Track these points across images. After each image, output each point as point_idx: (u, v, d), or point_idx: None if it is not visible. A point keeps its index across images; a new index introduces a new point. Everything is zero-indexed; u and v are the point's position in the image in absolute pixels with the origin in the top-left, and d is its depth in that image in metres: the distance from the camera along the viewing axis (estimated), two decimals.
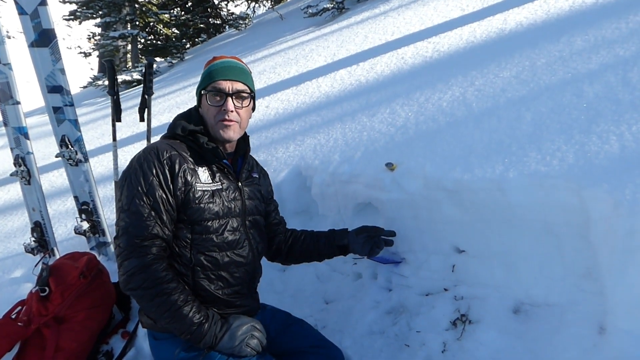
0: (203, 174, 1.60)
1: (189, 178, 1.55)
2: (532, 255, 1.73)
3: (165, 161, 1.52)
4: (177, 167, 1.53)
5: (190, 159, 1.59)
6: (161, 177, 1.50)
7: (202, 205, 1.55)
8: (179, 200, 1.53)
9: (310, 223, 2.70)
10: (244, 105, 1.67)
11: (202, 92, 1.65)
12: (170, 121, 1.72)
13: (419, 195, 1.98)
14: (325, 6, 7.55)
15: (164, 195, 1.50)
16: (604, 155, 1.58)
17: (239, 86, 1.65)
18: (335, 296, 2.42)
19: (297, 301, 2.48)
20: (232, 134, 1.65)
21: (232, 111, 1.62)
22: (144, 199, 1.47)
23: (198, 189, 1.56)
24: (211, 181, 1.61)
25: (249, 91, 1.68)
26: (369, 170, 2.24)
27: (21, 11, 2.32)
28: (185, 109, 1.76)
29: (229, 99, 1.61)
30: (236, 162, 1.76)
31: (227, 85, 1.62)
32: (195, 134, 1.63)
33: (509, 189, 1.69)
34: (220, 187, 1.62)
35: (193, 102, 1.81)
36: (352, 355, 1.96)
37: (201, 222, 1.56)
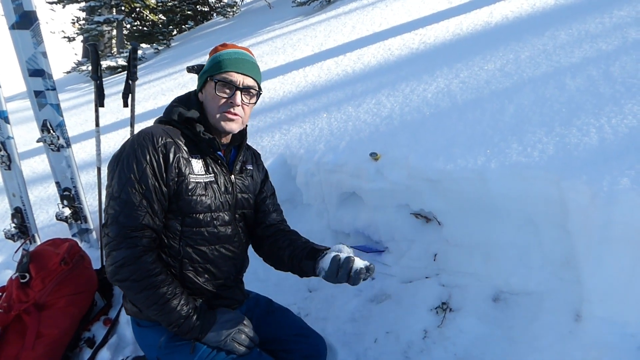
0: (197, 164, 1.54)
1: (182, 168, 1.49)
2: (512, 244, 1.76)
3: (159, 148, 1.46)
4: (171, 155, 1.47)
5: (185, 148, 1.52)
6: (155, 165, 1.43)
7: (194, 197, 1.51)
8: (171, 190, 1.47)
9: (294, 212, 2.71)
10: (250, 102, 1.61)
11: (209, 79, 1.56)
12: (167, 105, 1.63)
13: (402, 185, 1.99)
14: None
15: (157, 184, 1.44)
16: (583, 147, 1.61)
17: (250, 82, 1.57)
18: (319, 284, 2.43)
19: (280, 289, 2.49)
20: (234, 126, 1.59)
21: (238, 105, 1.55)
22: (136, 186, 1.41)
23: (191, 180, 1.50)
24: (204, 172, 1.55)
25: (257, 88, 1.62)
26: (354, 160, 2.25)
27: None
28: (175, 94, 1.70)
29: (238, 92, 1.55)
30: (229, 153, 1.69)
31: (239, 79, 1.54)
32: (192, 122, 1.56)
33: (490, 180, 1.72)
34: (213, 179, 1.57)
35: (178, 90, 1.77)
36: (334, 342, 1.98)
37: (192, 215, 1.52)
